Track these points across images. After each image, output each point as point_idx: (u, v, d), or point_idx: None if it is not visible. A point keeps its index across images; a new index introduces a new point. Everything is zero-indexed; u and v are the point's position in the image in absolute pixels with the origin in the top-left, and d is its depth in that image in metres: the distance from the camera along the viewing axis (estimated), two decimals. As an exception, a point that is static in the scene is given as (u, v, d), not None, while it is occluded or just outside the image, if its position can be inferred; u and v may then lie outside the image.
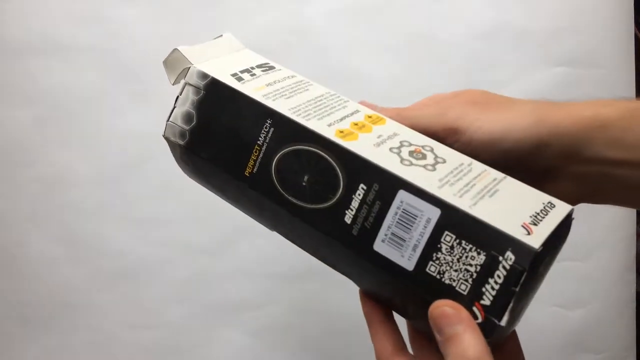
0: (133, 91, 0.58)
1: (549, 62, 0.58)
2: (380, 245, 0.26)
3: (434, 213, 0.24)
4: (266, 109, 0.29)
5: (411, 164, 0.26)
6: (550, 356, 0.59)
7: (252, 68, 0.33)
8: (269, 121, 0.29)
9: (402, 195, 0.25)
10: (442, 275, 0.24)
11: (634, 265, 0.60)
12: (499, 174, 0.26)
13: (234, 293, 0.58)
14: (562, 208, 0.26)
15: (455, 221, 0.24)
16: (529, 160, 0.28)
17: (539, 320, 0.58)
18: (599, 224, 0.59)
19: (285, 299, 0.58)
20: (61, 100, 0.58)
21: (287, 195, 0.28)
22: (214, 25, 0.58)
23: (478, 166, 0.27)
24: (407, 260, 0.25)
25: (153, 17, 0.58)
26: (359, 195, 0.26)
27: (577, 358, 0.59)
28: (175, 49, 0.34)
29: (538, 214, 0.25)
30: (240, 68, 0.33)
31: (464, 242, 0.24)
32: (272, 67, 0.34)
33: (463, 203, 0.24)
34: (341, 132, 0.28)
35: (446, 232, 0.24)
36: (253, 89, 0.30)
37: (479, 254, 0.24)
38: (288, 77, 0.33)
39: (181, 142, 0.32)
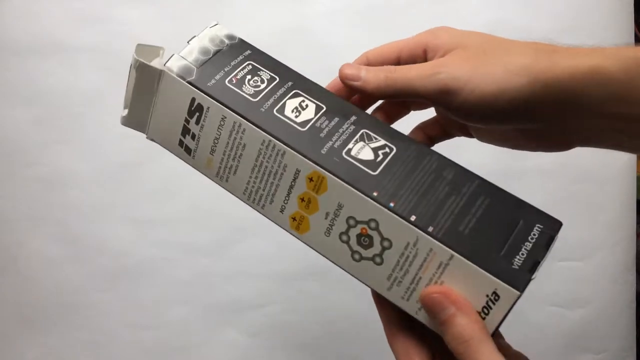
0: (133, 91, 0.58)
1: (549, 62, 0.58)
2: None
3: None
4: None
5: (361, 257, 0.28)
6: (550, 356, 0.59)
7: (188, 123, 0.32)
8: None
9: None
10: None
11: (634, 265, 0.60)
12: (444, 254, 0.26)
13: (234, 293, 0.58)
14: (509, 295, 0.25)
15: None
16: (523, 117, 0.28)
17: (539, 320, 0.58)
18: (599, 224, 0.59)
19: (285, 299, 0.58)
20: (61, 100, 0.58)
21: None
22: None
23: (424, 246, 0.26)
24: None
25: (153, 17, 0.58)
26: None
27: (577, 358, 0.59)
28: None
29: (487, 304, 0.26)
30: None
31: None
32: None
33: (411, 308, 0.27)
34: (294, 219, 0.30)
35: None
36: (203, 165, 0.32)
37: None
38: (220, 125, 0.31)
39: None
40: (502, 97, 0.26)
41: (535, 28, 0.58)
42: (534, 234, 0.27)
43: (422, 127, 0.36)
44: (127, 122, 0.35)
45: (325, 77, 0.63)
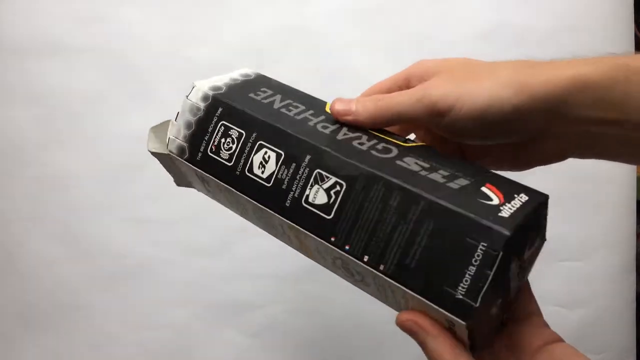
0: (133, 91, 0.58)
1: (549, 62, 0.58)
2: None
3: None
4: None
5: (354, 280, 0.31)
6: (550, 356, 0.59)
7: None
8: None
9: None
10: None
11: (634, 265, 0.60)
12: (399, 290, 0.27)
13: (233, 293, 0.58)
14: (460, 324, 0.25)
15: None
16: (513, 128, 0.28)
17: (539, 320, 0.58)
18: (599, 224, 0.59)
19: (285, 299, 0.58)
20: (61, 100, 0.58)
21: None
22: (214, 26, 0.58)
23: (383, 282, 0.28)
24: None
25: (153, 17, 0.58)
26: None
27: (577, 358, 0.59)
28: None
29: (450, 328, 0.26)
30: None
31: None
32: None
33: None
34: (304, 251, 0.35)
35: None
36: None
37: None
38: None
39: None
40: (491, 111, 0.27)
41: (535, 28, 0.58)
42: (478, 255, 0.24)
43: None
44: (179, 184, 0.41)
45: (325, 77, 0.63)
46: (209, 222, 0.58)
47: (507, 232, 0.24)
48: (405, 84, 0.32)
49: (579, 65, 0.26)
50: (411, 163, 0.28)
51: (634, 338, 0.60)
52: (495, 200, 0.26)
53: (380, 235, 0.27)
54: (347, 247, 0.28)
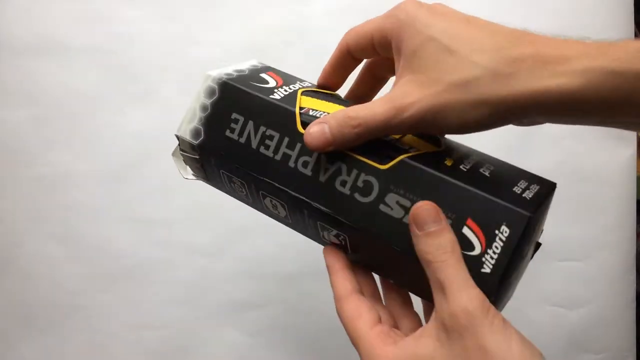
0: (133, 91, 0.58)
1: (549, 62, 0.58)
2: None
3: None
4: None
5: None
6: (550, 356, 0.58)
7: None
8: None
9: None
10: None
11: (634, 265, 0.60)
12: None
13: (234, 293, 0.58)
14: None
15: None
16: (493, 127, 0.28)
17: (539, 320, 0.58)
18: (599, 224, 0.59)
19: (285, 299, 0.58)
20: (61, 100, 0.58)
21: None
22: (214, 26, 0.58)
23: None
24: None
25: (153, 17, 0.58)
26: None
27: (577, 358, 0.59)
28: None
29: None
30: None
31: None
32: None
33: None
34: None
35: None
36: None
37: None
38: None
39: None
40: (468, 125, 0.27)
41: (535, 28, 0.58)
42: None
43: (371, 67, 0.36)
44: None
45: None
46: (209, 222, 0.58)
47: (493, 298, 0.26)
48: (383, 40, 0.30)
49: (563, 76, 0.24)
50: (393, 205, 0.29)
51: (634, 338, 0.60)
52: (477, 248, 0.27)
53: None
54: None
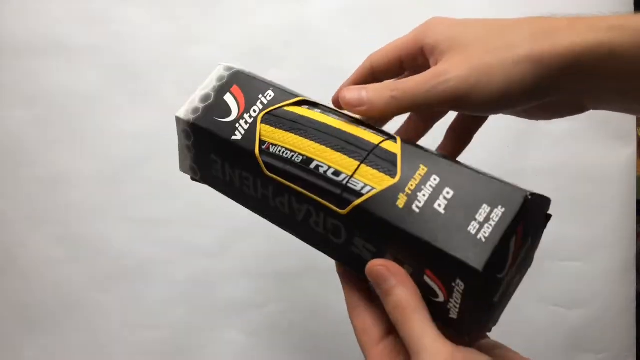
0: (133, 91, 0.58)
1: (549, 62, 0.58)
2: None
3: None
4: None
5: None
6: (550, 356, 0.59)
7: None
8: None
9: None
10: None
11: (634, 265, 0.60)
12: None
13: (234, 293, 0.58)
14: None
15: None
16: (536, 98, 0.28)
17: (539, 320, 0.58)
18: (599, 223, 0.59)
19: (285, 298, 0.58)
20: (61, 100, 0.58)
21: None
22: (214, 25, 0.58)
23: None
24: None
25: (153, 17, 0.58)
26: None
27: (577, 358, 0.59)
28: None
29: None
30: None
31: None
32: None
33: None
34: None
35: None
36: None
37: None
38: None
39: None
40: (512, 88, 0.26)
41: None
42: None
43: (452, 129, 0.36)
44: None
45: (325, 77, 0.63)
46: (209, 222, 0.58)
47: (467, 338, 0.27)
48: (418, 53, 0.31)
49: (602, 31, 0.25)
50: (361, 249, 0.29)
51: (634, 338, 0.60)
52: (440, 296, 0.26)
53: None
54: None
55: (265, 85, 0.33)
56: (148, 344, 0.58)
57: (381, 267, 0.27)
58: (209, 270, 0.58)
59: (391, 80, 0.30)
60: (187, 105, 0.34)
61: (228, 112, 0.33)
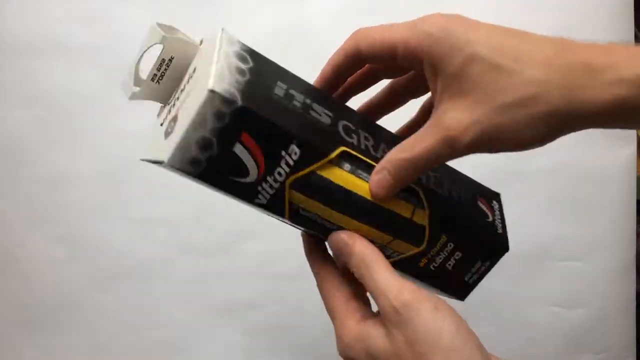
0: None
1: (549, 62, 0.58)
2: None
3: None
4: None
5: None
6: (550, 356, 0.59)
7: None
8: None
9: None
10: None
11: (634, 265, 0.60)
12: None
13: (234, 293, 0.58)
14: None
15: None
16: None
17: (539, 320, 0.58)
18: (598, 223, 0.59)
19: (286, 299, 0.58)
20: (61, 100, 0.58)
21: None
22: (214, 25, 0.58)
23: None
24: None
25: (153, 17, 0.58)
26: None
27: (577, 358, 0.59)
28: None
29: None
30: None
31: None
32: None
33: None
34: None
35: None
36: None
37: None
38: None
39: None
40: (525, 143, 0.26)
41: (535, 28, 0.58)
42: None
43: (394, 87, 0.34)
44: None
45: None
46: (209, 222, 0.58)
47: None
48: (416, 62, 0.29)
49: (616, 83, 0.23)
50: None
51: (634, 338, 0.60)
52: None
53: None
54: None
55: (283, 134, 0.26)
56: (148, 344, 0.58)
57: (344, 235, 0.30)
58: (209, 270, 0.58)
59: (401, 146, 0.28)
60: (172, 149, 0.25)
61: (244, 171, 0.27)
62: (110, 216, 0.58)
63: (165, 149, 0.26)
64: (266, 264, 0.58)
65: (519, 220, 0.58)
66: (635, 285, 0.60)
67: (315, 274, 0.33)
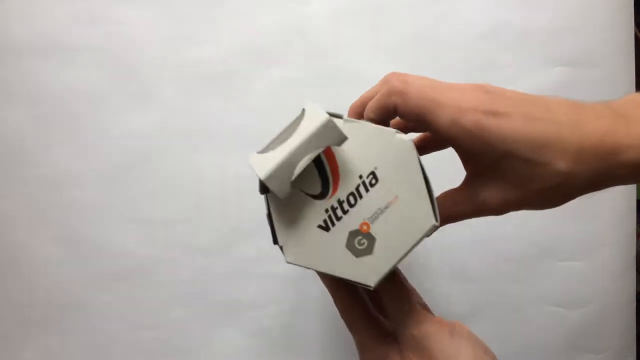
0: (133, 91, 0.58)
1: (549, 62, 0.58)
2: None
3: None
4: None
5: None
6: (550, 356, 0.59)
7: None
8: None
9: None
10: None
11: (634, 264, 0.60)
12: None
13: (234, 293, 0.58)
14: None
15: None
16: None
17: (538, 320, 0.58)
18: (599, 222, 0.59)
19: (286, 299, 0.58)
20: (61, 100, 0.58)
21: None
22: (214, 25, 0.58)
23: None
24: None
25: (153, 17, 0.58)
26: None
27: (577, 358, 0.59)
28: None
29: None
30: None
31: None
32: None
33: None
34: None
35: None
36: None
37: None
38: None
39: None
40: (555, 204, 0.32)
41: (535, 28, 0.58)
42: None
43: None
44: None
45: (325, 77, 0.63)
46: (209, 221, 0.58)
47: None
48: (434, 137, 0.36)
49: (622, 166, 0.28)
50: None
51: (634, 338, 0.60)
52: None
53: None
54: None
55: None
56: (148, 344, 0.58)
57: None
58: (209, 270, 0.58)
59: (442, 209, 0.32)
60: (380, 277, 0.31)
61: None
62: (111, 216, 0.58)
63: (367, 273, 0.32)
64: (266, 264, 0.58)
65: (519, 220, 0.58)
66: (635, 285, 0.60)
67: (332, 288, 0.35)
